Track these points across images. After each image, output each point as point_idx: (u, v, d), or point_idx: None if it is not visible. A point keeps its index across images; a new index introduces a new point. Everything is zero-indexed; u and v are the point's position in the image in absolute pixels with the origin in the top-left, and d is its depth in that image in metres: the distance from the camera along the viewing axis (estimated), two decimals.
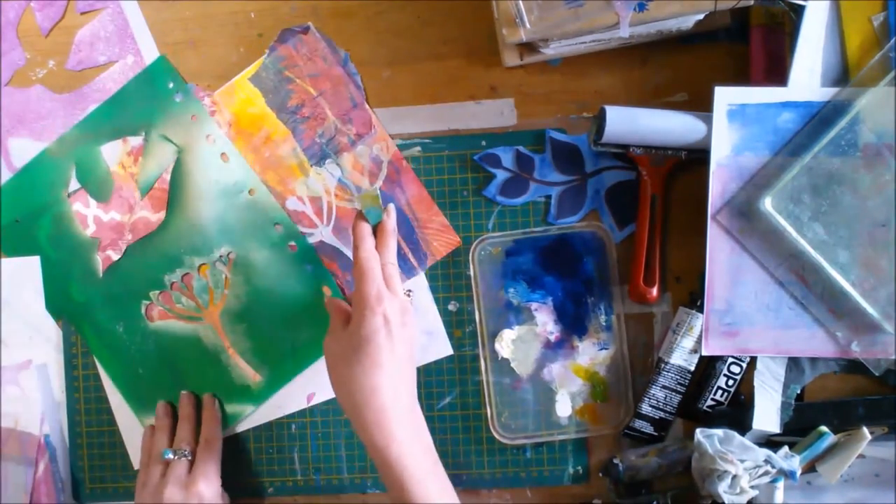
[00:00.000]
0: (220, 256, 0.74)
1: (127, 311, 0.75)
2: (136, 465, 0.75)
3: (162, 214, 0.75)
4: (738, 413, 0.68)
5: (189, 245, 0.75)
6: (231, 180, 0.74)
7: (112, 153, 0.75)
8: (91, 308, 0.75)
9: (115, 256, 0.75)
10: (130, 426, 0.75)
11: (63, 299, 0.76)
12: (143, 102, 0.75)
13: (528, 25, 0.64)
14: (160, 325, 0.75)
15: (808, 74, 0.66)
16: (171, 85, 0.75)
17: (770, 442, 0.68)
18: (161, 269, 0.75)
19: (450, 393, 0.73)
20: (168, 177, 0.74)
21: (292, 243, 0.74)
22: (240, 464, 0.75)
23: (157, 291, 0.75)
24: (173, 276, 0.75)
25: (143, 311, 0.75)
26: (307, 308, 0.74)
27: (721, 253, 0.67)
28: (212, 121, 0.74)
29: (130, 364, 0.75)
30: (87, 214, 0.76)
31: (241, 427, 0.75)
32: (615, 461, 0.68)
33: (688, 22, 0.67)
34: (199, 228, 0.74)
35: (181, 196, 0.75)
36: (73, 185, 0.75)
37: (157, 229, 0.75)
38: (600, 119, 0.68)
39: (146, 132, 0.75)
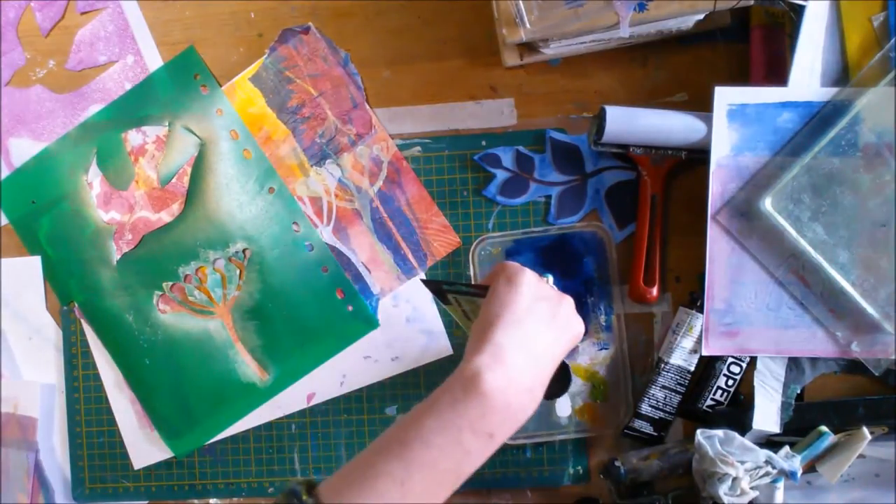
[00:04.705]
0: (236, 252, 0.74)
1: (138, 301, 0.75)
2: (136, 465, 0.76)
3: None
4: (738, 413, 0.68)
5: (205, 238, 0.74)
6: (252, 177, 0.74)
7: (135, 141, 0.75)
8: (102, 296, 0.75)
9: (131, 245, 0.75)
10: (130, 426, 0.75)
11: (73, 287, 0.76)
12: (169, 92, 0.75)
13: (528, 25, 0.64)
14: (170, 317, 0.75)
15: (808, 74, 0.66)
16: (197, 77, 0.75)
17: (770, 442, 0.68)
18: (176, 261, 0.75)
19: None
20: (189, 169, 0.75)
21: (309, 243, 0.74)
22: (240, 464, 0.75)
23: (170, 283, 0.75)
24: (188, 268, 0.75)
25: (154, 301, 0.75)
26: (320, 309, 0.74)
27: (721, 253, 0.67)
28: (237, 116, 0.74)
29: (138, 354, 0.75)
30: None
31: (241, 427, 0.75)
32: (616, 463, 0.68)
33: (688, 22, 0.67)
34: (216, 222, 0.74)
35: (201, 189, 0.75)
36: (94, 171, 0.75)
37: (175, 221, 0.75)
38: (600, 119, 0.68)
39: (170, 123, 0.75)
